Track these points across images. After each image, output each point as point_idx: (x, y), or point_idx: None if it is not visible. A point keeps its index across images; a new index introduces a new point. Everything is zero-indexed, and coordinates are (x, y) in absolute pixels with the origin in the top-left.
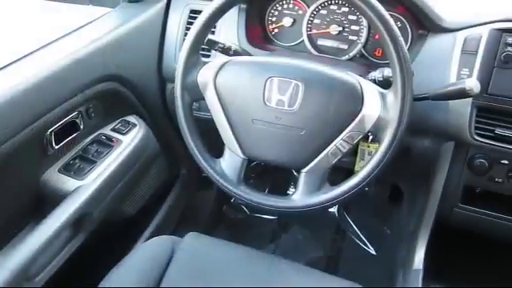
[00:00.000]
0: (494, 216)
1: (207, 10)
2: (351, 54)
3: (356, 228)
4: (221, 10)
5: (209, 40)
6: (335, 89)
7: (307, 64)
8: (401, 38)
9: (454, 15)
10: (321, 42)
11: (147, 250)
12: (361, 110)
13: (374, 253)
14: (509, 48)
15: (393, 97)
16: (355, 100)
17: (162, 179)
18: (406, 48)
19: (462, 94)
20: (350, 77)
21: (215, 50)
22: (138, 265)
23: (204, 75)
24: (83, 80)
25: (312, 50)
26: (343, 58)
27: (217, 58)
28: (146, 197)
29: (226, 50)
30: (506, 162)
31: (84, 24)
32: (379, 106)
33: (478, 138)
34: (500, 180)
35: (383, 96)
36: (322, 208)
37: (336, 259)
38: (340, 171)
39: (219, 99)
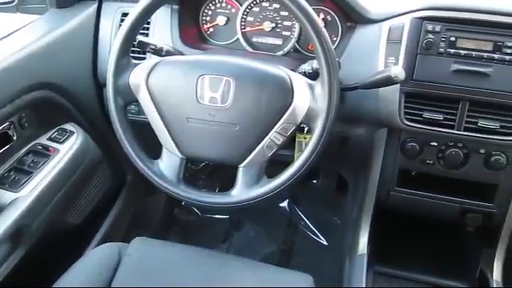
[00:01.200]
0: (427, 196)
1: (133, 12)
2: (286, 50)
3: (307, 220)
4: (147, 11)
5: (140, 42)
6: (266, 83)
7: (238, 60)
8: (324, 31)
9: (378, 6)
10: (255, 39)
11: (93, 258)
12: (291, 102)
13: (325, 243)
14: (429, 35)
15: (320, 87)
16: (286, 93)
17: (108, 186)
18: (329, 40)
19: (388, 81)
20: (280, 70)
21: (147, 52)
22: (85, 273)
23: (136, 77)
24: (12, 89)
25: (247, 48)
26: (278, 53)
27: (149, 60)
28: (92, 205)
29: (158, 51)
30: (435, 143)
31: (11, 31)
32: (309, 97)
33: (407, 122)
34: (431, 161)
35: (312, 87)
36: (261, 201)
37: (289, 253)
38: (281, 164)
39: (152, 100)
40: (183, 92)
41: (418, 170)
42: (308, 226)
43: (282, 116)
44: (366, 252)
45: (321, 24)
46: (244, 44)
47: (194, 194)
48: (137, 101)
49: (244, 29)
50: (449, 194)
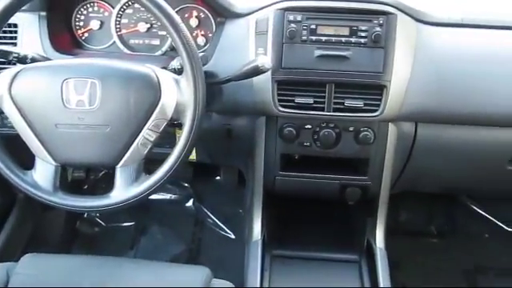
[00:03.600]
0: (309, 177)
1: None
2: (164, 49)
3: (213, 217)
4: None
5: (0, 51)
6: (132, 81)
7: (102, 62)
8: (182, 26)
9: (244, 1)
10: (133, 40)
11: None
12: (160, 98)
13: (232, 236)
14: (292, 24)
15: (185, 82)
16: (153, 89)
17: None
18: (189, 34)
19: (257, 71)
20: (146, 68)
21: (11, 61)
22: None
23: None
24: None
25: (125, 50)
26: (157, 53)
27: (10, 68)
28: None
29: (22, 59)
30: (310, 126)
31: None
32: (176, 92)
33: (282, 109)
34: (308, 144)
35: (177, 82)
36: (141, 198)
37: (197, 250)
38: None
39: (18, 109)
40: (49, 98)
41: (297, 153)
42: (215, 221)
43: (152, 113)
44: (260, 238)
45: (179, 20)
46: (121, 47)
47: (71, 200)
48: (2, 112)
49: (120, 31)
50: (328, 173)
